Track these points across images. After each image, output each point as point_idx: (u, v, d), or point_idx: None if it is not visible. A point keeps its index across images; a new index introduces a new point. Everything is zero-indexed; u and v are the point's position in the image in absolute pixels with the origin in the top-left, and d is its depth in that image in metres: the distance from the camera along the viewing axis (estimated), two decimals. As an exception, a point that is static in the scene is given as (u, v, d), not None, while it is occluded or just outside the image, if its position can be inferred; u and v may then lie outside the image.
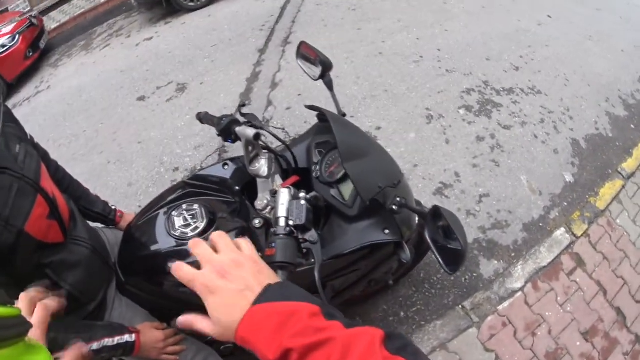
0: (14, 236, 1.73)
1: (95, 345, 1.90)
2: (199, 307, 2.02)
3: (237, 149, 2.22)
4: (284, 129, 5.29)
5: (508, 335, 3.53)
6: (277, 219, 1.68)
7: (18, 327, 1.93)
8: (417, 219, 2.20)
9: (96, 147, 6.85)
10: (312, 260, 1.67)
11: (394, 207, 1.86)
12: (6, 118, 2.05)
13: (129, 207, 5.37)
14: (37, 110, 9.27)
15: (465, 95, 5.44)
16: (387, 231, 1.93)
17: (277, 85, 6.30)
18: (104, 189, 5.93)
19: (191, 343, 2.40)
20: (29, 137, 2.23)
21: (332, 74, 5.50)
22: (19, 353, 1.87)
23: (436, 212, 1.76)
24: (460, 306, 3.65)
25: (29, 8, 16.37)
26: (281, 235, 1.60)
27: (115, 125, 7.21)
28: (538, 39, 6.85)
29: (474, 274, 3.80)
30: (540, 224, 4.15)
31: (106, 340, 1.97)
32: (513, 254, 3.92)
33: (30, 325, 1.91)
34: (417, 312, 3.65)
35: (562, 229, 4.13)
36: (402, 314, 3.64)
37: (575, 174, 4.66)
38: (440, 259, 1.71)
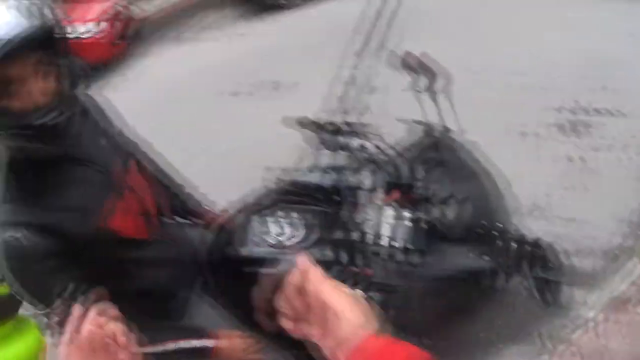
0: (95, 230, 1.79)
1: (171, 346, 1.96)
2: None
3: (333, 155, 2.27)
4: (380, 135, 5.34)
5: (576, 365, 3.57)
6: (379, 237, 1.71)
7: (8, 305, 2.02)
8: (515, 246, 2.19)
9: (186, 139, 6.94)
10: (409, 282, 1.69)
11: (494, 232, 1.88)
12: (94, 110, 2.11)
13: (216, 203, 5.47)
14: (122, 97, 9.36)
15: (557, 114, 5.45)
16: (486, 257, 1.95)
17: (375, 90, 6.30)
18: (195, 180, 6.01)
19: (271, 351, 2.33)
20: (117, 129, 2.26)
21: None
22: (10, 330, 1.96)
23: (537, 243, 1.78)
24: (537, 332, 3.54)
25: (122, -7, 16.69)
26: (382, 256, 1.62)
27: (207, 119, 7.32)
28: (628, 58, 6.57)
29: (562, 298, 3.74)
30: (618, 252, 4.09)
31: (182, 342, 2.02)
32: (591, 282, 3.87)
33: (20, 303, 2.00)
34: (495, 334, 3.56)
35: (635, 259, 4.01)
36: (481, 334, 3.56)
37: (658, 203, 4.66)
38: (537, 293, 1.72)
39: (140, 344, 1.81)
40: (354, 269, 1.97)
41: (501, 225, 1.92)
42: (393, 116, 5.56)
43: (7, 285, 2.05)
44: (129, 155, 2.14)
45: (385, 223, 1.75)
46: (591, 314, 3.63)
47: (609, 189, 4.55)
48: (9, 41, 1.36)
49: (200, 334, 2.10)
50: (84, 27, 11.25)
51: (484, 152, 4.71)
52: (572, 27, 7.24)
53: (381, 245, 1.69)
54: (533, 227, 3.98)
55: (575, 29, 7.17)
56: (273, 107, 6.74)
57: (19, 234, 1.60)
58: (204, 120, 7.37)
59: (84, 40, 11.15)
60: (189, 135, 7.11)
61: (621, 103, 5.64)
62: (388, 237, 1.68)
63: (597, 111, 5.47)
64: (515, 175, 4.41)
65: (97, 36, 11.29)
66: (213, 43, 10.27)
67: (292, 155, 5.60)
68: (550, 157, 4.84)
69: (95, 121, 2.04)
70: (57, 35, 1.58)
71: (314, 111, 6.15)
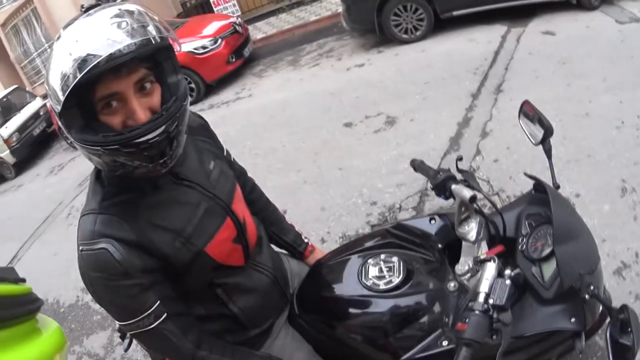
0: (191, 255, 1.79)
1: None
2: (367, 357, 2.12)
3: (436, 197, 2.25)
4: (489, 181, 5.25)
5: None
6: (476, 293, 1.73)
7: (30, 305, 2.09)
8: (601, 309, 2.16)
9: (294, 164, 7.25)
10: (499, 340, 1.69)
11: (586, 295, 1.86)
12: (201, 132, 2.12)
13: (317, 232, 5.56)
14: (236, 115, 9.71)
15: None
16: (573, 319, 1.92)
17: (487, 134, 6.28)
18: (296, 207, 6.16)
19: None
20: (225, 152, 2.28)
21: None
22: (31, 328, 2.02)
23: (623, 310, 1.77)
24: None
25: (238, 12, 17.16)
26: (477, 312, 1.65)
27: (318, 146, 7.52)
28: None
29: None
30: None
31: None
32: None
33: (41, 302, 2.04)
34: None
35: None
36: None
37: None
38: (612, 356, 1.71)
39: None
40: (446, 320, 2.00)
41: (594, 288, 1.91)
42: (502, 162, 5.60)
43: (28, 286, 2.13)
44: (235, 180, 2.15)
45: (485, 279, 1.77)
46: None
47: None
48: (110, 58, 1.38)
49: None
50: (200, 42, 11.73)
51: (581, 206, 4.69)
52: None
53: (478, 302, 1.71)
54: (618, 286, 3.93)
55: None
56: (385, 142, 7.02)
57: (111, 248, 1.61)
58: (314, 146, 7.59)
59: (199, 56, 11.54)
60: (297, 160, 7.30)
61: None
62: (486, 293, 1.70)
63: None
64: (611, 233, 4.33)
65: (212, 52, 11.67)
66: (330, 71, 10.71)
67: (400, 193, 5.69)
68: None
69: (203, 143, 2.08)
70: (163, 52, 1.61)
71: (425, 150, 6.21)
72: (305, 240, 2.72)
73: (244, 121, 9.46)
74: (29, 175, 14.95)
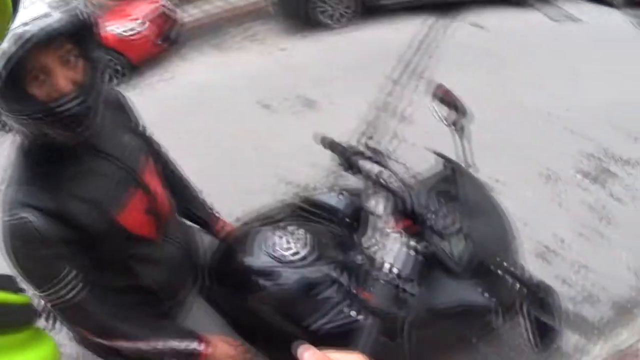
0: (106, 224, 1.82)
1: (160, 344, 1.99)
2: (280, 332, 2.11)
3: (352, 177, 2.26)
4: (405, 164, 5.35)
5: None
6: (382, 263, 1.71)
7: (27, 315, 2.06)
8: (518, 286, 2.18)
9: (213, 147, 7.02)
10: (406, 310, 1.69)
11: (499, 271, 1.87)
12: (119, 105, 2.16)
13: (232, 211, 5.46)
14: (159, 98, 9.50)
15: (584, 160, 5.43)
16: (486, 294, 1.94)
17: (406, 119, 6.41)
18: (213, 189, 5.92)
19: None
20: (141, 128, 2.30)
21: None
22: (26, 339, 1.98)
23: (540, 287, 1.78)
24: None
25: (171, -5, 16.95)
26: (382, 282, 1.64)
27: (236, 128, 7.40)
28: None
29: (554, 345, 3.66)
30: (629, 305, 4.04)
31: (173, 342, 2.04)
32: (596, 332, 3.84)
33: (39, 314, 2.02)
34: None
35: None
36: None
37: (673, 260, 4.58)
38: (531, 335, 1.71)
39: (133, 338, 1.96)
40: (353, 290, 1.99)
41: (507, 265, 1.92)
42: (419, 146, 5.63)
43: (27, 296, 2.11)
44: (148, 154, 2.18)
45: (390, 249, 1.76)
46: None
47: (627, 241, 4.47)
48: (37, 33, 1.43)
49: (191, 336, 2.11)
50: (129, 24, 11.48)
51: (502, 191, 4.74)
52: (611, 76, 7.29)
53: (382, 272, 1.70)
54: (543, 270, 3.99)
55: (615, 78, 7.23)
56: (303, 124, 7.02)
57: (31, 217, 1.64)
58: (232, 128, 7.46)
59: (127, 38, 11.33)
60: (216, 142, 7.16)
61: None
62: (390, 263, 1.69)
63: (626, 162, 5.44)
64: (533, 217, 4.37)
65: (140, 35, 11.47)
66: (253, 55, 10.40)
67: (315, 173, 5.65)
68: (570, 203, 4.81)
69: (120, 116, 2.11)
70: (88, 29, 1.63)
71: (343, 132, 6.20)
72: (218, 216, 2.78)
73: (167, 103, 9.31)
74: None
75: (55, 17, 1.47)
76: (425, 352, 2.36)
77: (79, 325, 1.97)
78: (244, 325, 2.29)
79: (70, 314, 1.87)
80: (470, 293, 1.97)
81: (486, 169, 4.99)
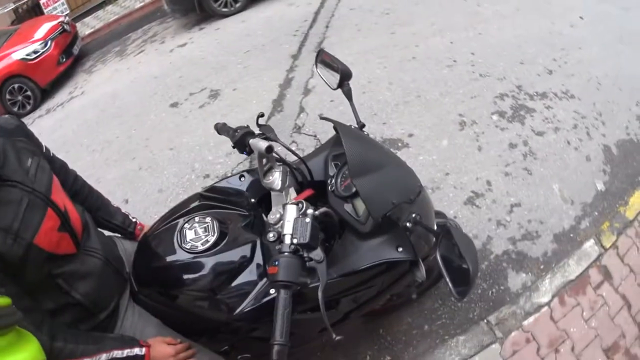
0: (23, 249, 1.83)
1: (104, 357, 2.01)
2: (211, 322, 2.15)
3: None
4: (315, 135, 5.27)
5: (531, 352, 3.47)
6: (282, 235, 1.75)
7: (8, 317, 2.06)
8: (429, 236, 2.19)
9: (129, 153, 6.97)
10: (317, 279, 1.72)
11: (407, 224, 1.88)
12: (18, 133, 2.17)
13: (159, 213, 5.37)
14: (71, 116, 9.43)
15: (498, 101, 5.37)
16: (400, 249, 1.93)
17: (310, 91, 6.36)
18: (135, 194, 6.03)
19: (204, 354, 2.43)
20: (44, 149, 2.33)
21: (365, 78, 5.48)
22: (9, 342, 1.99)
23: (447, 232, 1.82)
24: (485, 321, 3.59)
25: (67, 11, 16.68)
26: (285, 254, 1.66)
27: (148, 131, 7.34)
28: (571, 41, 6.71)
29: (501, 287, 3.72)
30: (571, 235, 4.04)
31: (115, 352, 2.05)
32: (542, 267, 3.83)
33: (20, 315, 2.04)
34: (441, 325, 3.61)
35: (592, 241, 4.01)
36: (425, 327, 3.60)
37: (607, 182, 4.53)
38: (449, 280, 1.75)
39: (78, 356, 1.96)
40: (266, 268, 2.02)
41: (415, 216, 1.94)
42: (326, 115, 5.66)
43: (7, 298, 2.10)
44: (52, 174, 2.18)
45: (287, 221, 1.78)
46: (544, 300, 3.63)
47: (558, 172, 4.49)
48: None
49: (132, 343, 2.14)
50: (31, 47, 11.33)
51: (417, 144, 4.76)
52: (515, 14, 7.40)
53: (285, 244, 1.73)
54: (474, 216, 3.98)
55: (519, 15, 7.34)
56: (211, 116, 6.96)
57: None
58: (146, 131, 7.43)
59: (31, 62, 11.19)
60: (132, 148, 7.05)
61: (571, 85, 5.68)
62: (290, 234, 1.71)
63: (543, 95, 5.45)
64: (453, 165, 4.38)
65: (43, 56, 11.31)
66: (154, 55, 10.25)
67: (231, 162, 5.60)
68: (490, 145, 4.77)
69: (20, 142, 2.12)
70: None
71: (250, 116, 6.13)
72: (134, 220, 2.84)
73: (79, 120, 9.19)
74: None
75: None
76: (366, 312, 2.42)
77: None
78: (177, 321, 2.33)
79: None
80: (384, 250, 1.95)
81: (398, 126, 5.00)
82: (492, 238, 3.90)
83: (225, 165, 5.72)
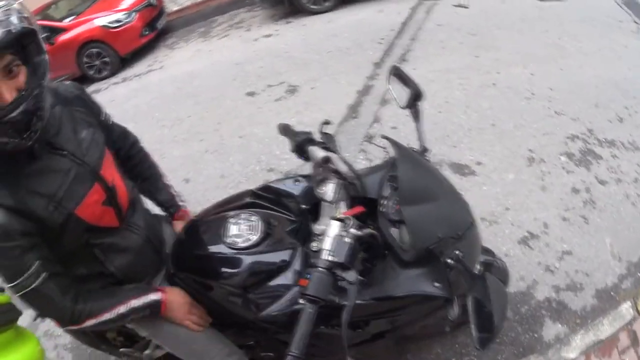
0: (63, 217, 1.89)
1: (122, 309, 2.08)
2: (239, 317, 2.10)
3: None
4: (385, 148, 5.30)
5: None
6: (320, 250, 1.70)
7: (7, 314, 2.04)
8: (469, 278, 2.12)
9: (198, 134, 7.11)
10: (345, 299, 1.67)
11: (449, 260, 1.83)
12: (77, 102, 2.20)
13: (217, 198, 5.40)
14: (147, 88, 9.59)
15: (569, 142, 5.24)
16: (437, 284, 1.90)
17: (387, 102, 6.25)
18: (197, 175, 6.12)
19: (224, 344, 2.44)
20: (103, 116, 2.36)
21: (443, 98, 5.40)
22: (8, 339, 1.97)
23: (484, 278, 1.74)
24: None
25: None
26: (319, 269, 1.61)
27: (221, 116, 7.41)
28: None
29: (535, 335, 3.61)
30: (612, 293, 3.89)
31: (133, 301, 2.11)
32: (578, 321, 3.70)
33: (19, 313, 2.01)
34: None
35: (629, 303, 3.82)
36: None
37: (657, 243, 4.35)
38: (474, 326, 1.67)
39: (97, 313, 2.05)
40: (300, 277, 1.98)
41: (459, 253, 1.87)
42: (400, 129, 5.56)
43: (6, 295, 2.12)
44: (108, 146, 2.23)
45: (328, 236, 1.73)
46: (572, 355, 3.50)
47: (612, 226, 4.31)
48: None
49: (148, 290, 2.21)
50: (114, 16, 11.61)
51: (483, 174, 4.69)
52: (596, 55, 7.14)
53: (320, 259, 1.68)
54: (525, 257, 3.89)
55: (599, 58, 7.07)
56: (286, 111, 6.96)
57: None
58: (218, 116, 7.48)
59: (113, 30, 11.46)
60: (201, 130, 7.19)
61: (638, 136, 5.45)
62: (327, 250, 1.66)
63: (611, 143, 5.25)
64: (515, 201, 4.29)
65: (126, 26, 11.56)
66: (238, 42, 10.31)
67: (297, 160, 5.62)
68: (554, 186, 4.63)
69: (78, 112, 2.15)
70: (26, 38, 1.67)
71: (324, 117, 6.14)
72: (180, 204, 2.82)
73: (154, 93, 9.34)
74: None
75: None
76: (387, 338, 2.36)
77: (47, 313, 2.04)
78: (207, 309, 2.35)
79: (36, 303, 1.95)
80: (421, 283, 1.92)
81: (468, 152, 4.92)
82: (537, 283, 3.81)
83: (290, 162, 5.66)
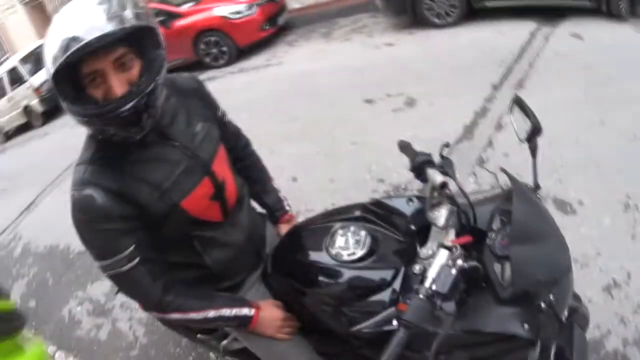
0: (167, 207, 1.95)
1: (212, 314, 2.10)
2: (327, 327, 2.13)
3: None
4: (496, 174, 5.26)
5: None
6: (424, 277, 1.72)
7: (14, 321, 2.11)
8: (558, 324, 2.09)
9: (311, 134, 7.32)
10: (438, 328, 1.68)
11: (542, 304, 1.83)
12: (195, 95, 2.25)
13: (322, 202, 5.46)
14: (263, 81, 9.80)
15: None
16: (526, 326, 1.88)
17: (502, 127, 6.09)
18: (306, 176, 6.28)
19: (306, 351, 2.41)
20: (219, 112, 2.40)
21: (552, 130, 5.29)
22: (15, 347, 2.03)
23: (571, 327, 1.75)
24: None
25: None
26: (420, 296, 1.64)
27: (336, 119, 7.50)
28: None
29: None
30: None
31: (224, 310, 2.13)
32: None
33: (25, 320, 2.05)
34: None
35: None
36: None
37: None
38: None
39: (185, 310, 2.09)
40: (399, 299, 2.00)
41: (552, 298, 1.88)
42: (511, 156, 5.51)
43: (12, 302, 2.18)
44: (221, 142, 2.29)
45: (435, 265, 1.73)
46: None
47: None
48: (89, 42, 1.54)
49: (241, 303, 2.22)
50: (235, 7, 11.94)
51: (582, 214, 4.54)
52: None
53: (423, 286, 1.71)
54: (606, 305, 3.78)
55: None
56: (402, 123, 6.93)
57: (95, 194, 1.79)
58: (333, 119, 7.56)
59: (232, 20, 11.80)
60: (315, 130, 7.35)
61: None
62: (432, 278, 1.70)
63: None
64: (606, 246, 4.17)
65: (246, 18, 11.84)
66: (360, 47, 10.54)
67: (408, 174, 5.62)
68: None
69: (195, 104, 2.21)
70: (142, 32, 1.73)
71: (439, 135, 6.00)
72: (286, 209, 2.81)
73: (270, 88, 9.56)
74: (56, 124, 15.47)
75: (106, 24, 1.58)
76: None
77: (133, 296, 2.13)
78: (296, 314, 2.37)
79: (125, 285, 2.03)
80: (510, 323, 1.90)
81: (572, 189, 4.82)
82: (610, 333, 3.64)
83: (401, 175, 5.62)
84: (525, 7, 8.91)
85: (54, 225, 7.82)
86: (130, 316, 5.05)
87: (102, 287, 5.67)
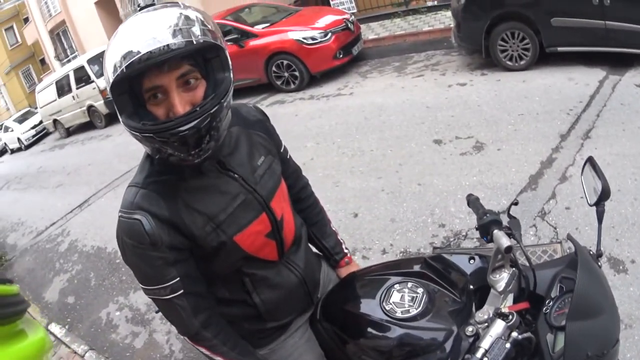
0: (220, 241, 1.91)
1: None
2: None
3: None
4: (555, 228, 5.21)
5: None
6: (477, 347, 1.71)
7: (17, 305, 2.15)
8: None
9: (377, 171, 7.37)
10: None
11: None
12: (259, 127, 2.20)
13: (381, 242, 5.74)
14: (333, 111, 10.20)
15: None
16: None
17: (566, 179, 6.00)
18: (367, 212, 6.35)
19: None
20: (282, 149, 2.35)
21: (615, 186, 5.26)
22: (17, 330, 2.07)
23: None
24: None
25: (354, 10, 17.30)
26: None
27: (404, 157, 7.56)
28: None
29: None
30: None
31: None
32: None
33: (27, 305, 2.05)
34: None
35: None
36: None
37: None
38: None
39: (215, 352, 2.04)
40: None
41: None
42: (573, 210, 5.41)
43: (15, 286, 2.21)
44: (282, 178, 2.24)
45: (489, 335, 1.76)
46: None
47: None
48: (150, 55, 1.50)
49: None
50: (310, 33, 12.03)
51: (633, 273, 4.44)
52: None
53: (475, 356, 1.74)
54: None
55: None
56: (469, 168, 6.90)
57: (144, 220, 1.76)
58: (401, 157, 7.61)
59: (306, 46, 11.92)
60: (381, 167, 7.49)
61: None
62: (485, 349, 1.72)
63: None
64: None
65: (320, 45, 11.93)
66: (432, 84, 10.44)
67: (470, 221, 5.62)
68: None
69: (258, 137, 2.17)
70: (209, 51, 1.69)
71: (504, 182, 6.14)
72: (345, 251, 2.72)
73: (339, 118, 9.65)
74: (119, 128, 15.58)
75: (172, 37, 1.54)
76: None
77: (170, 321, 2.06)
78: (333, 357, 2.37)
79: (164, 311, 2.01)
80: None
81: (627, 247, 4.79)
82: None
83: (464, 222, 5.68)
84: (594, 52, 8.84)
85: (104, 227, 8.25)
86: (169, 329, 5.25)
87: (145, 297, 5.91)
